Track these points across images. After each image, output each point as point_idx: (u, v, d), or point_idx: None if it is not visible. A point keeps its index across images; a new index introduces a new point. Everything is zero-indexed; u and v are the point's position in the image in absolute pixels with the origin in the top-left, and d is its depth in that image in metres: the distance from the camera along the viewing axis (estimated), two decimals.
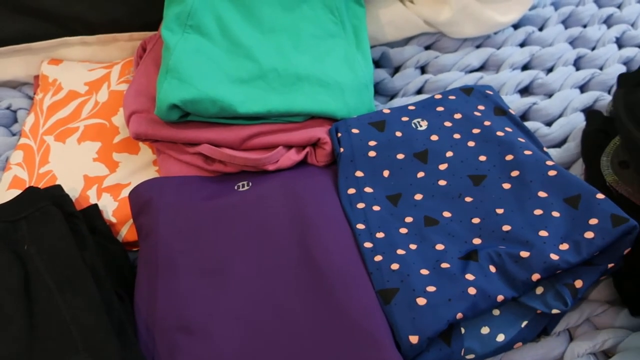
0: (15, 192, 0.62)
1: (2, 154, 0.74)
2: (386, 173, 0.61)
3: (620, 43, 0.82)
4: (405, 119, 0.65)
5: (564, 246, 0.51)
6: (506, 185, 0.57)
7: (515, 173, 0.57)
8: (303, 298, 0.51)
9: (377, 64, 0.82)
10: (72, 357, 0.44)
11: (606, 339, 0.52)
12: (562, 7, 0.87)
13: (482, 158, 0.60)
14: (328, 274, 0.51)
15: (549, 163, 0.57)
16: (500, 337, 0.51)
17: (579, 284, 0.51)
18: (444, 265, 0.51)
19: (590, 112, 0.69)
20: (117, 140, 0.70)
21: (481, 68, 0.81)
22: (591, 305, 0.55)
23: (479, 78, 0.77)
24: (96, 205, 0.62)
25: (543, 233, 0.52)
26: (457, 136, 0.62)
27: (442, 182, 0.59)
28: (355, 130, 0.63)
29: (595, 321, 0.55)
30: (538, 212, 0.54)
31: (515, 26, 0.85)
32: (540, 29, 0.85)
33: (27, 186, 0.61)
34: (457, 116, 0.64)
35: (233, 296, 0.52)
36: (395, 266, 0.52)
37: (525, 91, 0.77)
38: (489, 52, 0.81)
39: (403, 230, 0.56)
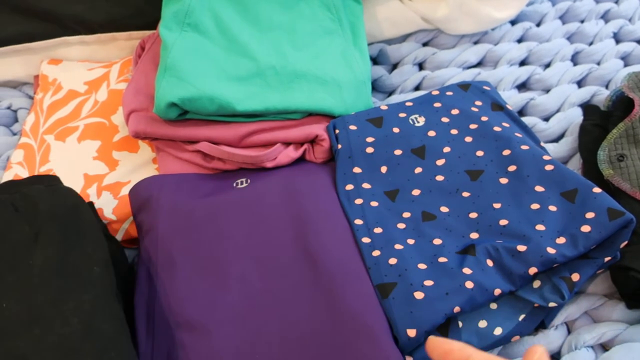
0: None
1: (3, 153, 0.75)
2: (384, 169, 0.61)
3: (617, 38, 0.82)
4: (402, 115, 0.65)
5: (561, 240, 0.51)
6: (503, 180, 0.57)
7: (512, 168, 0.58)
8: (302, 294, 0.51)
9: (375, 60, 0.82)
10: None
11: (604, 332, 0.52)
12: (559, 2, 0.87)
13: (480, 153, 0.60)
14: (327, 270, 0.52)
15: (546, 158, 0.57)
16: (498, 331, 0.51)
17: (575, 277, 0.51)
18: (442, 259, 0.52)
19: (587, 107, 0.70)
20: (117, 138, 0.70)
21: (479, 64, 0.81)
22: (589, 298, 0.55)
23: (477, 74, 0.77)
24: (91, 203, 0.62)
25: (540, 227, 0.52)
26: (454, 132, 0.63)
27: (439, 178, 0.59)
28: (353, 127, 0.64)
29: (593, 314, 0.55)
30: (535, 206, 0.54)
31: (513, 22, 0.85)
32: (538, 25, 0.85)
33: None
34: (455, 112, 0.64)
35: (232, 293, 0.52)
36: (393, 261, 0.52)
37: (522, 87, 0.77)
38: (486, 48, 0.81)
39: (401, 226, 0.56)
